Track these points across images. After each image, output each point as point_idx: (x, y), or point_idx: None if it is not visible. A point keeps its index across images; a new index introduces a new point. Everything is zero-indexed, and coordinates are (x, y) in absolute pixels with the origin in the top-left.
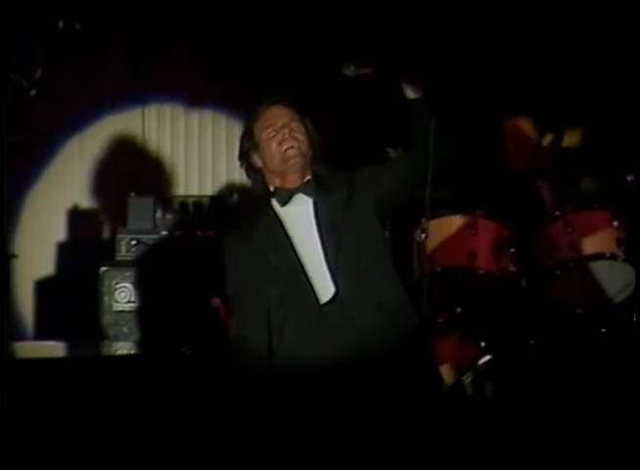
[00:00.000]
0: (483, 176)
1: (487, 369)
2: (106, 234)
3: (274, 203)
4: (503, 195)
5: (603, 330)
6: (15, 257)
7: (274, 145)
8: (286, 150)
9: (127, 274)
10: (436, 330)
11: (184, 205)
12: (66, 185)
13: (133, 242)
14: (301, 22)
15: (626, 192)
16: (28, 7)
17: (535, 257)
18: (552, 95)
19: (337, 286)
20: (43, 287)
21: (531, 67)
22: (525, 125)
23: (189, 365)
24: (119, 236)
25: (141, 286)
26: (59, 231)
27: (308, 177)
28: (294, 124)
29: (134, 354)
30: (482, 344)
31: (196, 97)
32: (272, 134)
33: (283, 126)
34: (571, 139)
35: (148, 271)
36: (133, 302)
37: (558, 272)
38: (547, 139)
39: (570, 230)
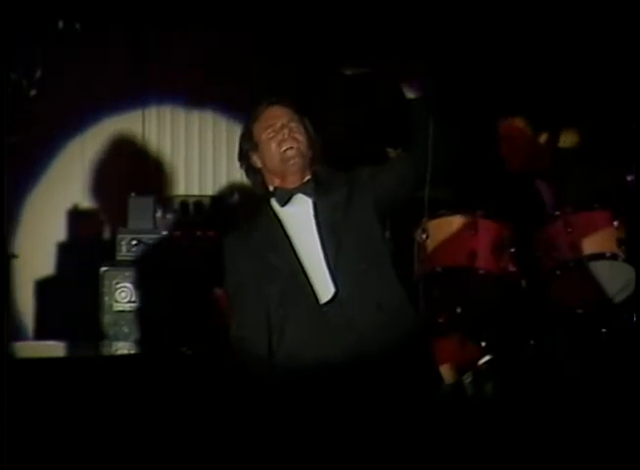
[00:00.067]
0: (483, 176)
1: (487, 369)
2: (106, 234)
3: (274, 203)
4: (503, 195)
5: (603, 330)
6: (15, 256)
7: (273, 145)
8: (285, 150)
9: (128, 274)
10: (437, 330)
11: (184, 205)
12: (66, 185)
13: (133, 242)
14: (301, 22)
15: (626, 192)
16: (28, 7)
17: (535, 257)
18: (546, 95)
19: (336, 286)
20: (43, 287)
21: (526, 67)
22: (520, 125)
23: (189, 365)
24: (120, 236)
25: (141, 286)
26: (59, 231)
27: (308, 177)
28: (293, 125)
29: (134, 354)
30: (483, 344)
31: (196, 97)
32: (271, 135)
33: (282, 127)
34: (567, 139)
35: (148, 271)
36: (133, 301)
37: (558, 272)
38: (542, 139)
39: (570, 230)
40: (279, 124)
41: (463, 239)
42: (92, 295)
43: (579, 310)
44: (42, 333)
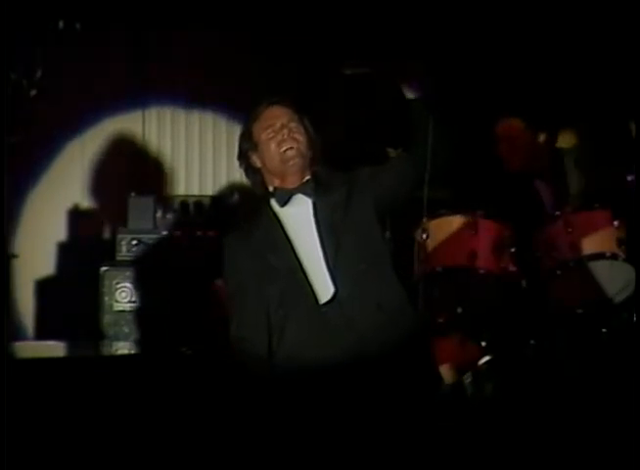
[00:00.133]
0: (483, 176)
1: (487, 369)
2: (106, 234)
3: (273, 203)
4: (502, 195)
5: (603, 330)
6: (15, 256)
7: (273, 146)
8: (285, 151)
9: (128, 274)
10: (437, 330)
11: (185, 204)
12: (66, 185)
13: (134, 242)
14: (301, 22)
15: (626, 192)
16: (28, 7)
17: (535, 257)
18: (545, 95)
19: (336, 286)
20: (43, 287)
21: (525, 67)
22: (519, 126)
23: (189, 365)
24: (120, 236)
25: (141, 286)
26: (59, 231)
27: (307, 178)
28: (293, 125)
29: (134, 354)
30: (483, 344)
31: (196, 97)
32: (271, 135)
33: (282, 127)
34: (566, 139)
35: (148, 271)
36: (134, 301)
37: (558, 272)
38: (541, 139)
39: (570, 230)
40: (279, 124)
41: (463, 239)
42: (92, 295)
43: (579, 310)
44: (42, 333)
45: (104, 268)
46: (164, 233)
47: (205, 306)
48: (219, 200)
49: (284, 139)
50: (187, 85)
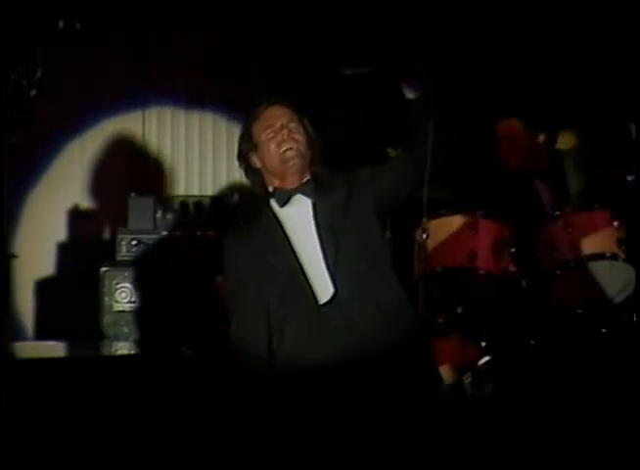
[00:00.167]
0: (483, 177)
1: (487, 369)
2: (106, 234)
3: (273, 203)
4: (502, 195)
5: (603, 330)
6: (15, 257)
7: (273, 146)
8: (285, 151)
9: (128, 274)
10: (437, 330)
11: (184, 205)
12: (66, 185)
13: (134, 242)
14: (301, 22)
15: (626, 192)
16: (28, 7)
17: (535, 257)
18: (545, 95)
19: (336, 286)
20: (43, 287)
21: (525, 67)
22: (519, 126)
23: (189, 365)
24: (120, 236)
25: (141, 286)
26: (59, 231)
27: (307, 178)
28: (292, 125)
29: (134, 355)
30: (483, 344)
31: (196, 97)
32: (271, 135)
33: (282, 127)
34: (565, 140)
35: (148, 271)
36: (133, 302)
37: (558, 272)
38: (540, 139)
39: (570, 230)
40: (278, 125)
41: (463, 239)
42: (92, 295)
43: (579, 310)
44: (42, 333)
45: (104, 269)
46: (164, 233)
47: (206, 306)
48: (219, 200)
49: (283, 139)
50: (187, 85)
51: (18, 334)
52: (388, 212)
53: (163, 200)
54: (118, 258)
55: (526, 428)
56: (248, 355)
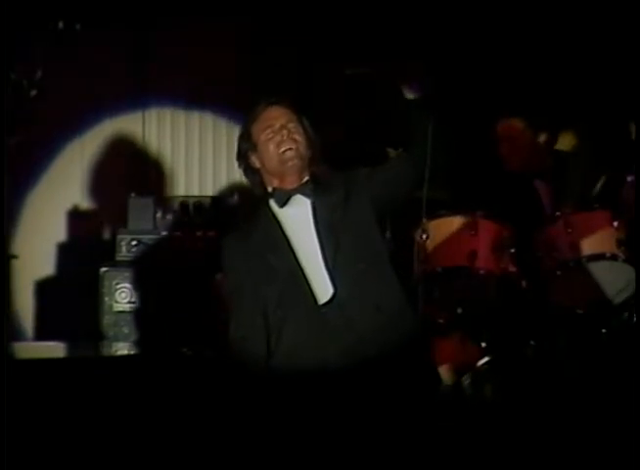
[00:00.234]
0: (482, 177)
1: (486, 370)
2: (106, 235)
3: (272, 204)
4: (502, 195)
5: (603, 330)
6: (15, 257)
7: (272, 147)
8: (284, 152)
9: (127, 275)
10: (437, 330)
11: (184, 205)
12: (66, 186)
13: (133, 242)
14: (301, 22)
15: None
16: (28, 7)
17: (535, 257)
18: (545, 95)
19: (335, 287)
20: (43, 287)
21: (526, 67)
22: (519, 126)
23: (189, 366)
24: (120, 236)
25: (141, 286)
26: (59, 232)
27: (306, 178)
28: (292, 126)
29: (134, 355)
30: (483, 344)
31: (196, 98)
32: (270, 136)
33: (281, 128)
34: (565, 141)
35: (148, 272)
36: (133, 302)
37: (558, 273)
38: (541, 139)
39: (570, 230)
40: (278, 125)
41: (463, 239)
42: (92, 295)
43: (579, 311)
44: (42, 334)
45: (104, 269)
46: (164, 234)
47: (206, 306)
48: (219, 200)
49: (283, 140)
50: (187, 86)
51: (17, 334)
52: (388, 213)
53: (163, 200)
54: (118, 259)
55: (526, 428)
56: (246, 356)
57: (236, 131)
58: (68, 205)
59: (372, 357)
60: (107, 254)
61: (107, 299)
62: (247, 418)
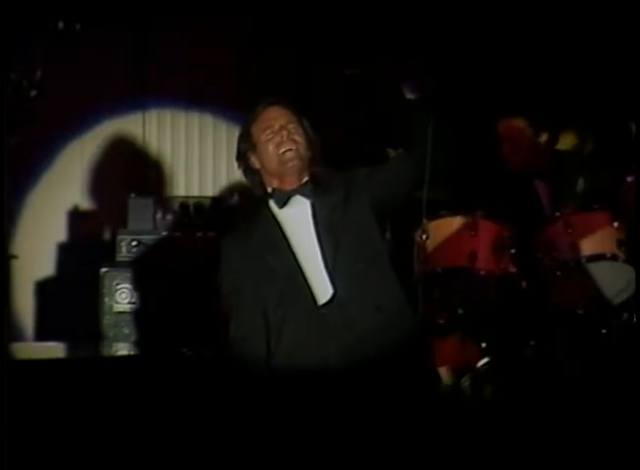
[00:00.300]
0: (482, 177)
1: (486, 371)
2: (106, 235)
3: (272, 204)
4: (502, 195)
5: (603, 331)
6: (15, 257)
7: (272, 147)
8: (284, 152)
9: (128, 275)
10: (437, 331)
11: (185, 206)
12: (66, 186)
13: (134, 243)
14: (302, 22)
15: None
16: (28, 7)
17: (536, 257)
18: (546, 95)
19: (335, 287)
20: (43, 288)
21: (527, 67)
22: (520, 126)
23: (189, 366)
24: (120, 237)
25: (141, 287)
26: (59, 232)
27: (306, 179)
28: (291, 126)
29: (134, 355)
30: (483, 345)
31: (196, 98)
32: (270, 136)
33: (281, 128)
34: (566, 141)
35: (148, 272)
36: (133, 302)
37: (558, 273)
38: (542, 139)
39: (570, 231)
40: (277, 126)
41: (463, 240)
42: (92, 296)
43: (580, 311)
44: (42, 334)
45: (104, 269)
46: (164, 234)
47: (206, 307)
48: (219, 201)
49: (282, 141)
50: (187, 86)
51: (18, 335)
52: (388, 213)
53: (163, 201)
54: (118, 259)
55: (526, 429)
56: (246, 356)
57: (236, 132)
58: (68, 205)
59: (372, 358)
60: (107, 254)
61: (107, 299)
62: (247, 418)
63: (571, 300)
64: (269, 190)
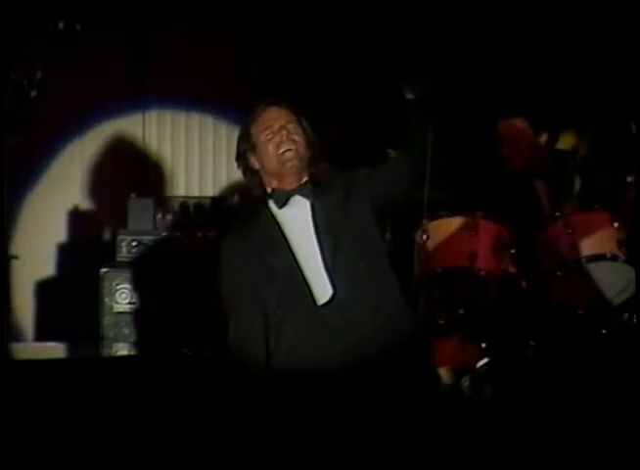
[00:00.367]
0: (483, 177)
1: (486, 372)
2: (106, 235)
3: (271, 204)
4: (502, 195)
5: (603, 331)
6: (15, 257)
7: (271, 147)
8: (283, 152)
9: (128, 275)
10: (437, 331)
11: (185, 206)
12: (66, 186)
13: (134, 243)
14: (302, 22)
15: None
16: (28, 7)
17: (536, 258)
18: (546, 95)
19: (334, 287)
20: (43, 288)
21: (527, 67)
22: (521, 126)
23: (189, 367)
24: (120, 237)
25: (141, 287)
26: (59, 232)
27: (305, 179)
28: (291, 126)
29: (134, 356)
30: (483, 345)
31: (196, 98)
32: (269, 136)
33: (280, 129)
34: (566, 141)
35: (148, 272)
36: (133, 303)
37: (558, 273)
38: (542, 139)
39: (570, 231)
40: (277, 126)
41: (463, 240)
42: (92, 296)
43: (580, 311)
44: (42, 334)
45: (104, 270)
46: (164, 234)
47: (206, 307)
48: (219, 201)
49: (282, 141)
50: (187, 86)
51: (18, 335)
52: (388, 213)
53: (163, 201)
54: (118, 260)
55: (526, 429)
56: (246, 356)
57: (236, 132)
58: (68, 205)
59: (372, 358)
60: (107, 254)
61: (107, 299)
62: (247, 418)
63: (572, 300)
64: (269, 190)
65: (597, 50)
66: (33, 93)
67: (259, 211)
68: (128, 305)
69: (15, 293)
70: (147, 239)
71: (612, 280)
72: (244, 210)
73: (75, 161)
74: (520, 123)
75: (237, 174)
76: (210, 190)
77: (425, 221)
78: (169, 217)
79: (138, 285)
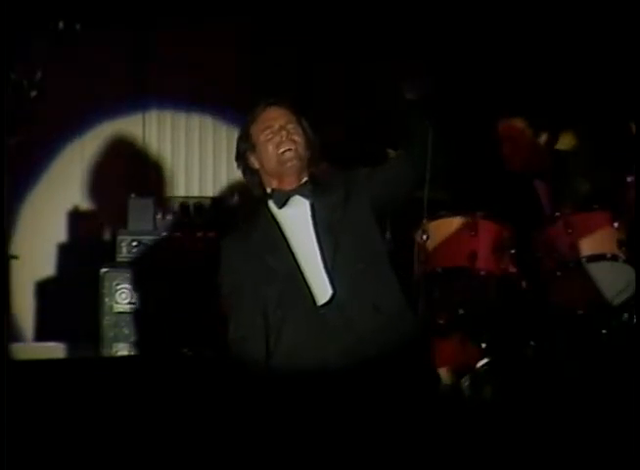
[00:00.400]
0: (483, 177)
1: (486, 372)
2: (106, 235)
3: (271, 205)
4: (502, 195)
5: (603, 331)
6: (15, 257)
7: (271, 148)
8: (283, 152)
9: (128, 275)
10: (437, 331)
11: (185, 206)
12: (66, 186)
13: (134, 243)
14: (302, 22)
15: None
16: (28, 7)
17: (536, 258)
18: (546, 95)
19: (334, 288)
20: (43, 288)
21: (526, 67)
22: (520, 126)
23: (189, 367)
24: (120, 237)
25: (141, 287)
26: (59, 232)
27: (305, 179)
28: (291, 127)
29: (134, 356)
30: (483, 345)
31: (196, 99)
32: (269, 136)
33: (280, 129)
34: (566, 141)
35: (148, 272)
36: (133, 303)
37: (558, 273)
38: (542, 139)
39: (570, 231)
40: (277, 126)
41: (463, 240)
42: (92, 296)
43: (580, 311)
44: (42, 334)
45: (104, 270)
46: (164, 234)
47: (206, 307)
48: (219, 201)
49: (282, 141)
50: (187, 86)
51: (18, 335)
52: (388, 213)
53: (163, 201)
54: (119, 260)
55: (526, 429)
56: (246, 356)
57: (236, 132)
58: (68, 205)
59: (371, 358)
60: (107, 254)
61: (107, 299)
62: (247, 418)
63: (572, 300)
64: (268, 190)
65: (597, 50)
66: (33, 93)
67: (259, 212)
68: (128, 305)
69: (15, 293)
70: (147, 239)
71: (612, 280)
72: (244, 210)
73: (75, 161)
74: (519, 123)
75: (237, 174)
76: (210, 190)
77: (425, 221)
78: (169, 217)
79: (138, 285)
